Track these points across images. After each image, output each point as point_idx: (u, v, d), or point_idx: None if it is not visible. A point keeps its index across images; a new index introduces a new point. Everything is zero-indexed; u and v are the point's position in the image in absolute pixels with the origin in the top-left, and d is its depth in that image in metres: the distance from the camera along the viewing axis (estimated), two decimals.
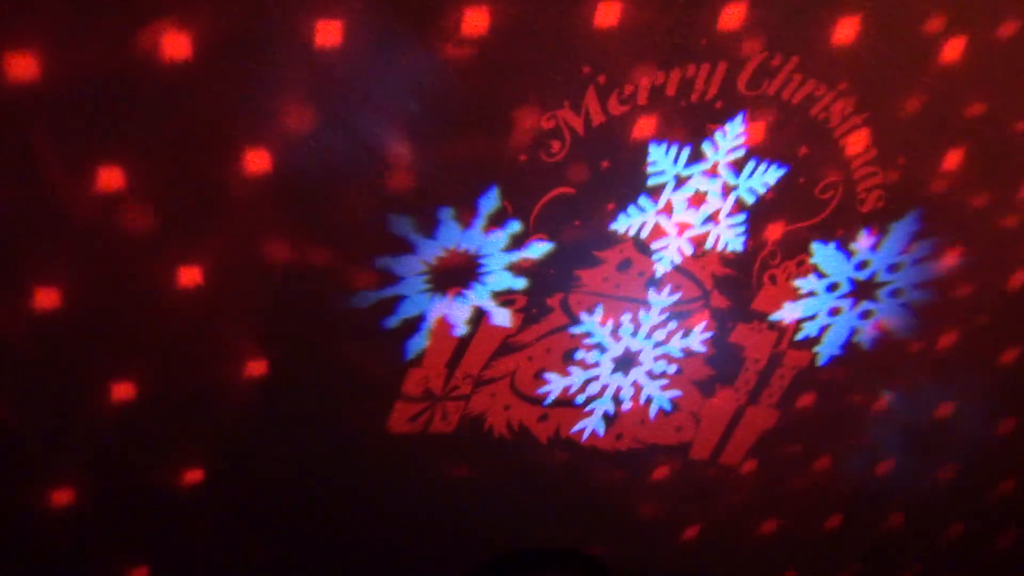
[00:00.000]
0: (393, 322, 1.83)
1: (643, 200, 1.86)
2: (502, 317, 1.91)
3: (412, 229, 1.73)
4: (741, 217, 1.94)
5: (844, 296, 2.07)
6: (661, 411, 2.23)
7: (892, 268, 2.04)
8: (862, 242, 2.01)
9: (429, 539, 2.24)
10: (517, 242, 1.83)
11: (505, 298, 1.91)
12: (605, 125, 1.75)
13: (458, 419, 2.05)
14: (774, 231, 2.01)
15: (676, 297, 2.02)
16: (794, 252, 2.06)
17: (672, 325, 2.06)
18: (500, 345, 1.99)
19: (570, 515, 2.34)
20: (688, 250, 1.94)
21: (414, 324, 1.86)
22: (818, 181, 1.98)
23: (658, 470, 2.33)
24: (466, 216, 1.75)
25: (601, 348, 2.06)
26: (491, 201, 1.76)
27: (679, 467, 2.33)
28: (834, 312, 2.06)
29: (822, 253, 2.02)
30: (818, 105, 1.87)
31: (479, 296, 1.87)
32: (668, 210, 1.89)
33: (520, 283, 1.89)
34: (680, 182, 1.86)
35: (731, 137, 1.83)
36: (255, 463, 1.94)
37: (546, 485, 2.26)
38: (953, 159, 1.99)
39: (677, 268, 2.00)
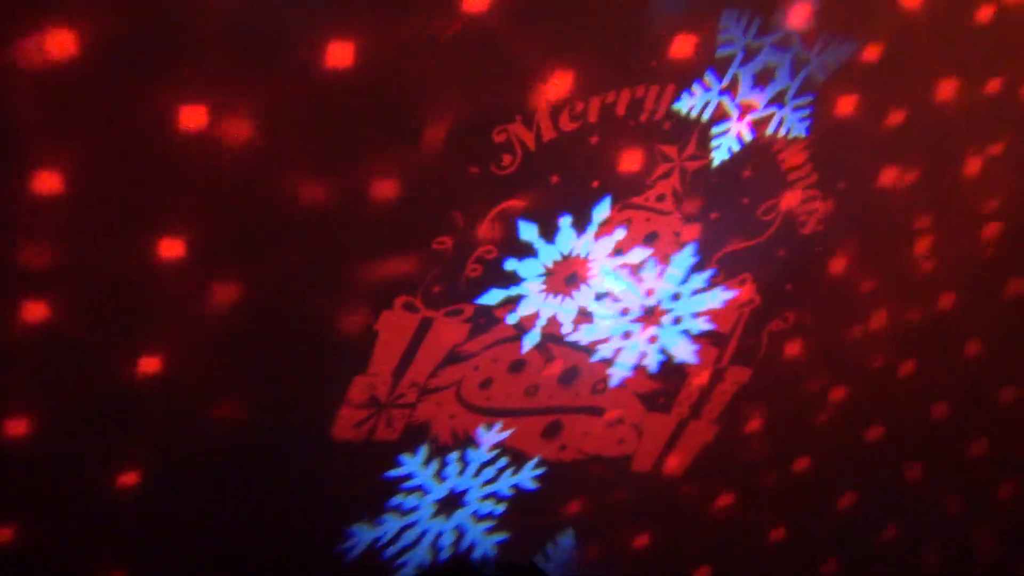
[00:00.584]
0: (514, 319, 1.98)
1: (708, 77, 1.80)
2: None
3: (537, 234, 1.86)
4: (808, 99, 1.88)
5: (635, 320, 2.10)
6: (605, 423, 2.27)
7: (674, 297, 2.08)
8: (649, 270, 2.03)
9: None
10: (621, 248, 1.95)
11: (451, 309, 1.92)
12: (556, 141, 1.79)
13: (403, 427, 2.06)
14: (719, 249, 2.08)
15: (508, 433, 2.06)
16: (736, 271, 2.12)
17: (503, 461, 2.07)
18: (447, 354, 2.00)
19: (516, 526, 2.36)
20: (748, 136, 1.89)
21: (531, 321, 2.01)
22: (761, 203, 2.04)
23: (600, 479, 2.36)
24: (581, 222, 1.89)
25: (423, 490, 2.05)
26: (604, 210, 1.89)
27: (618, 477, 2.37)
28: (626, 336, 2.10)
29: (615, 278, 2.02)
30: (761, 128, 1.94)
31: (585, 298, 1.97)
32: (733, 89, 1.83)
33: (620, 285, 2.01)
34: (749, 55, 1.80)
35: None
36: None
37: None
38: None
39: (624, 283, 2.04)
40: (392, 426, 2.05)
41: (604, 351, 2.10)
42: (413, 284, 1.85)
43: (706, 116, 1.86)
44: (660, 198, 1.95)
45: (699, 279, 2.05)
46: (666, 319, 2.08)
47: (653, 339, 2.09)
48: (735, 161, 1.97)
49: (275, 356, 1.82)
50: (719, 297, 2.09)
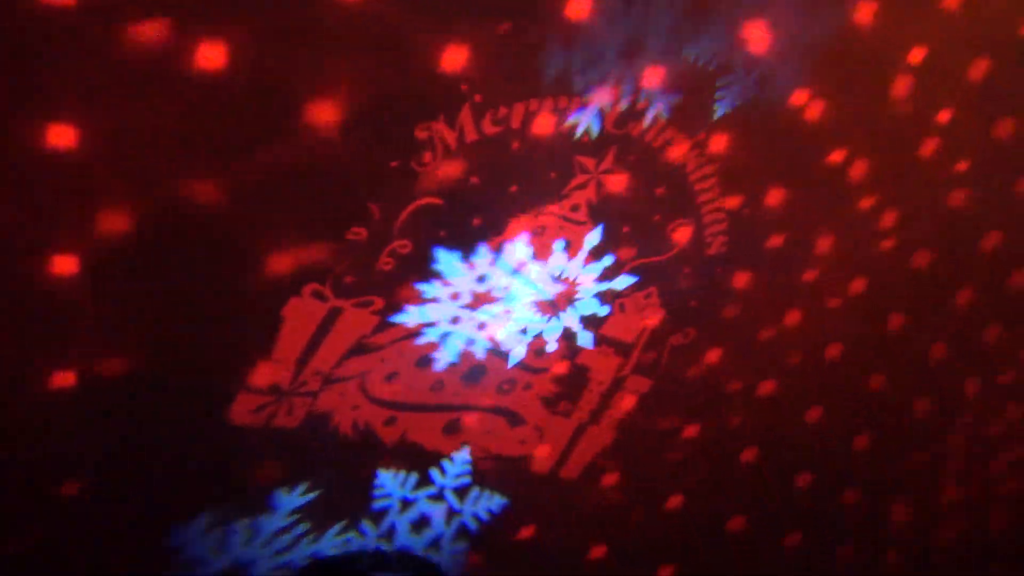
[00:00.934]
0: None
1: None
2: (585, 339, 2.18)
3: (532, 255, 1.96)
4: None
5: (465, 307, 2.04)
6: (507, 423, 2.31)
7: (505, 287, 2.03)
8: (482, 256, 1.98)
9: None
10: (608, 274, 2.07)
11: (361, 300, 1.92)
12: (478, 143, 1.81)
13: (304, 415, 2.04)
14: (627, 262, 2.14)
15: (309, 498, 2.04)
16: (644, 284, 2.19)
17: (301, 528, 2.03)
18: (354, 345, 2.00)
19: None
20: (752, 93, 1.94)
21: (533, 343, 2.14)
22: (670, 221, 2.12)
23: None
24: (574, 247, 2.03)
25: (199, 562, 1.96)
26: (596, 237, 2.02)
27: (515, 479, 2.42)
28: (454, 321, 2.04)
29: (447, 261, 1.96)
30: (676, 151, 2.02)
31: (570, 318, 2.08)
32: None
33: (605, 310, 2.13)
34: None
35: None
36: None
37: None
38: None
39: (532, 287, 2.08)
40: (293, 414, 2.03)
41: (430, 335, 2.05)
42: (324, 273, 1.84)
43: (712, 66, 1.89)
44: (575, 208, 2.01)
45: (534, 270, 2.04)
46: (496, 307, 2.06)
47: (482, 326, 2.07)
48: (649, 178, 2.04)
49: (177, 343, 1.79)
50: (551, 290, 2.08)
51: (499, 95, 1.78)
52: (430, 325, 2.03)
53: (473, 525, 2.30)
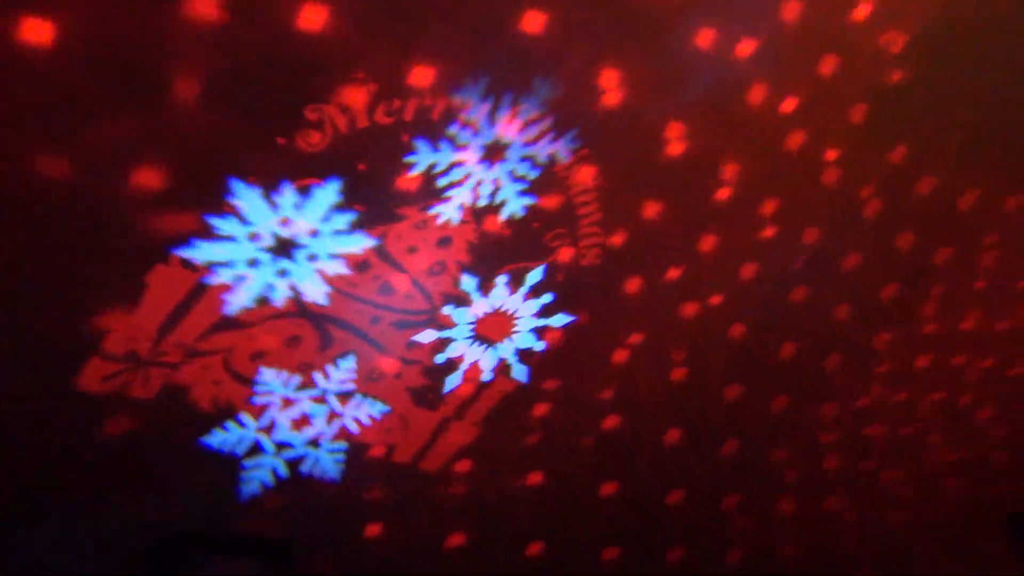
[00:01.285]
0: (441, 360, 2.24)
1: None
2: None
3: (476, 287, 2.08)
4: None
5: (265, 249, 1.90)
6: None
7: (312, 233, 1.92)
8: (287, 197, 1.84)
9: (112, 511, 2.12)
10: (546, 312, 2.24)
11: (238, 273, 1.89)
12: (368, 131, 1.83)
13: (160, 387, 1.98)
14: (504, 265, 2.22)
15: None
16: (517, 285, 2.27)
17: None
18: (221, 319, 1.96)
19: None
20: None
21: (455, 364, 2.26)
22: (549, 229, 2.21)
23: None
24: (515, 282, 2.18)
25: None
26: (538, 275, 2.21)
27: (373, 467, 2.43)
28: (251, 263, 1.89)
29: (247, 197, 1.81)
30: (561, 165, 2.10)
31: (506, 351, 2.23)
32: None
33: (541, 345, 2.29)
34: None
35: None
36: None
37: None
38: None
39: (412, 280, 2.12)
40: (148, 384, 1.96)
41: (224, 276, 1.89)
42: (197, 243, 1.80)
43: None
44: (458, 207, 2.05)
45: (341, 219, 1.93)
46: (300, 255, 1.93)
47: (283, 272, 1.93)
48: (533, 186, 2.12)
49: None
50: (360, 242, 1.99)
51: (395, 88, 1.80)
52: (223, 265, 1.87)
53: (354, 427, 2.29)
